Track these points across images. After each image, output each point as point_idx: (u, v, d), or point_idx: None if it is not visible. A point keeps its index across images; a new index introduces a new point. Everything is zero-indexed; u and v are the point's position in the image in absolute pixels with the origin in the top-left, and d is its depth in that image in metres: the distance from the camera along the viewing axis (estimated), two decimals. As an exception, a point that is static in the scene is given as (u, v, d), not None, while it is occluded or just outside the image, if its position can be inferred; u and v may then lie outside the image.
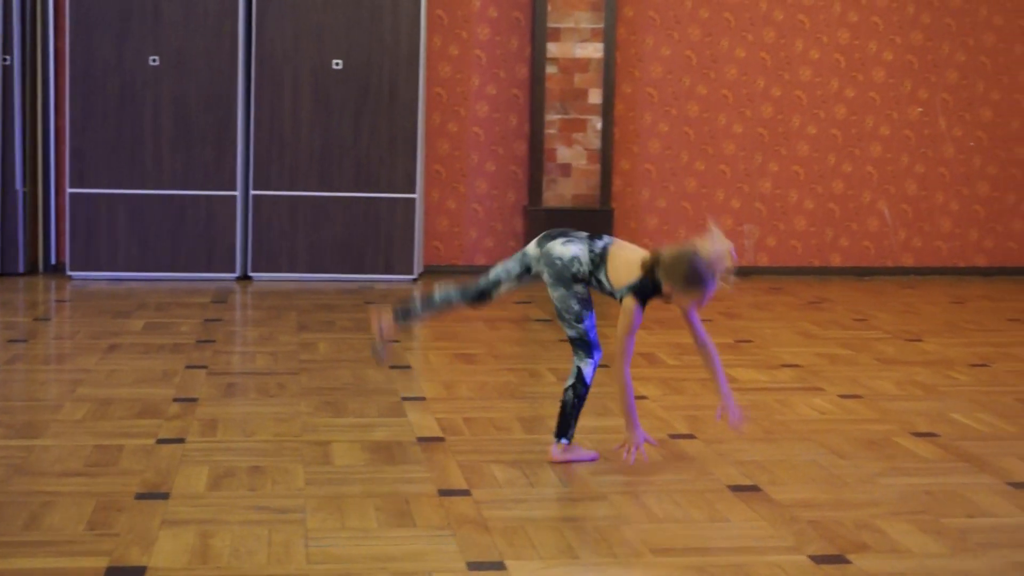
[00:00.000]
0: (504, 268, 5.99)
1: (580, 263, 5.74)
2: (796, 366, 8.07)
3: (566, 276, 5.76)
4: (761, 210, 12.28)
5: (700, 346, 5.89)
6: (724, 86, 12.17)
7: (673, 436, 6.31)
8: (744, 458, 5.94)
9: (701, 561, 4.60)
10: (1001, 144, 12.49)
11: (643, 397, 7.12)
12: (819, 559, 4.63)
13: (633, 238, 12.08)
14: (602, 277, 5.75)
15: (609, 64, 11.77)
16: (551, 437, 6.14)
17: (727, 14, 12.12)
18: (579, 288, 5.78)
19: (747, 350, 8.55)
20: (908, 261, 12.48)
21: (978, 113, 12.45)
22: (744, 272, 12.14)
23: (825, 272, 12.36)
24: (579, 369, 5.87)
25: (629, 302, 5.67)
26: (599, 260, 5.75)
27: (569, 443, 5.86)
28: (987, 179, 12.50)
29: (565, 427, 5.85)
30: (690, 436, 6.33)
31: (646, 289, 5.65)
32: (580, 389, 5.84)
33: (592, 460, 5.87)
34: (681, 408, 6.90)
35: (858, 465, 5.87)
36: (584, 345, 5.85)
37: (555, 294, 5.80)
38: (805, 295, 11.10)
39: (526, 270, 5.93)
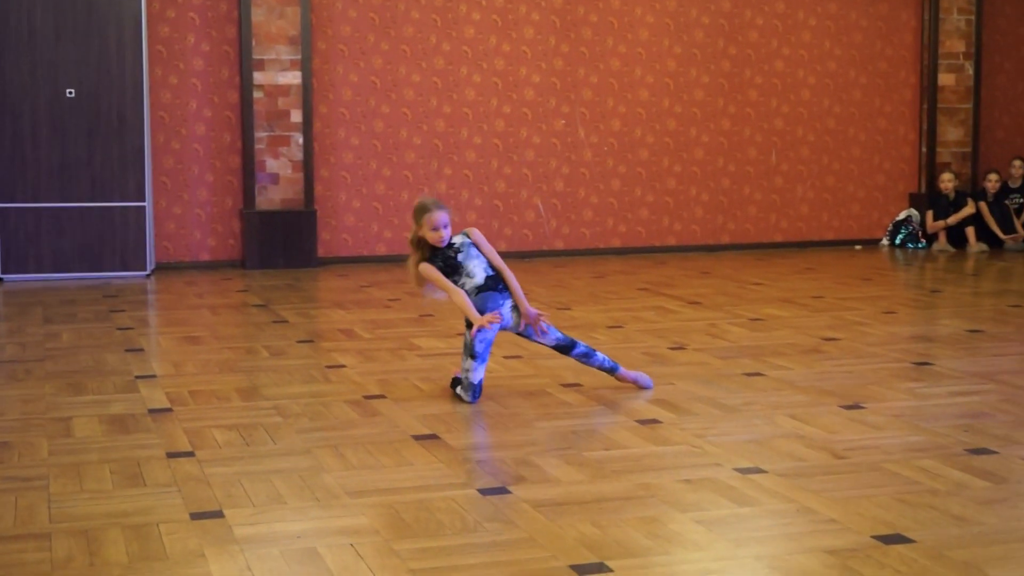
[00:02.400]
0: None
1: None
2: (468, 334, 8.13)
3: None
4: (439, 207, 12.32)
5: (497, 268, 6.28)
6: (404, 105, 12.18)
7: (367, 397, 6.28)
8: (426, 412, 5.95)
9: (390, 500, 4.59)
10: (628, 148, 12.84)
11: (342, 366, 7.07)
12: (485, 491, 4.68)
13: (333, 234, 12.01)
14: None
15: (307, 89, 11.65)
16: (266, 403, 6.08)
17: (404, 46, 12.12)
18: None
19: (429, 323, 8.58)
20: (559, 245, 12.73)
21: (609, 124, 12.77)
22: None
23: (492, 256, 12.48)
24: None
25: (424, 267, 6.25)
26: None
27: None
28: (618, 177, 12.83)
29: None
30: (381, 396, 6.31)
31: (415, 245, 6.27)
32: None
33: None
34: (374, 373, 6.87)
35: (518, 413, 5.95)
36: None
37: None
38: (476, 276, 11.18)
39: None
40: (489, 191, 12.48)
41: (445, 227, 6.14)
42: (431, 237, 6.15)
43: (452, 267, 6.20)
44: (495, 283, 6.25)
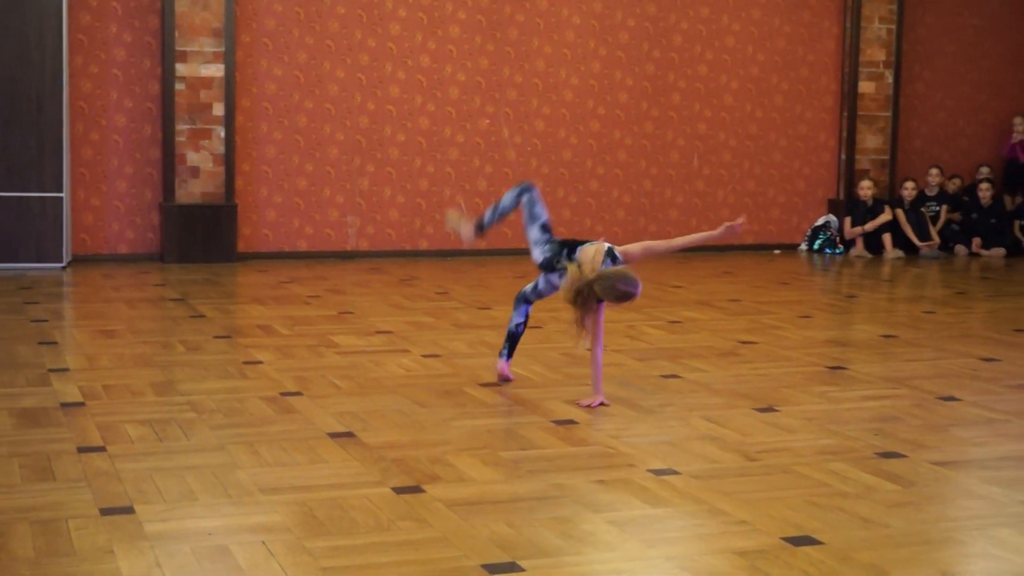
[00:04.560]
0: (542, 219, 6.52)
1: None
2: (388, 332, 8.12)
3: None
4: (361, 204, 12.30)
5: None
6: (328, 101, 12.13)
7: (283, 393, 6.25)
8: (342, 410, 5.94)
9: (303, 497, 4.57)
10: (552, 149, 12.88)
11: (259, 362, 7.03)
12: (399, 490, 4.68)
13: (254, 229, 11.93)
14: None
15: (230, 82, 11.56)
16: (180, 398, 6.03)
17: (328, 41, 12.07)
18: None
19: (349, 320, 8.56)
20: (482, 244, 12.72)
21: (533, 124, 12.80)
22: (347, 256, 12.19)
23: (415, 254, 12.48)
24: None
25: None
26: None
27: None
28: (542, 177, 12.86)
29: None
30: (298, 393, 6.28)
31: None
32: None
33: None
34: (291, 370, 6.84)
35: (435, 411, 5.96)
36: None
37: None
38: (398, 274, 11.18)
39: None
40: (412, 189, 12.46)
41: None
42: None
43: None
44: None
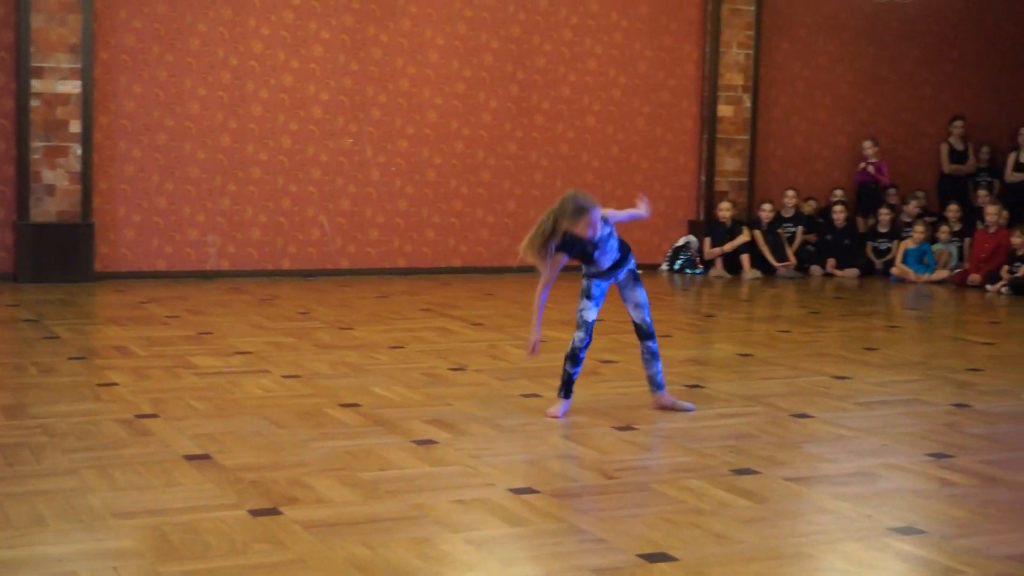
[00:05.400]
0: None
1: None
2: (248, 353, 8.02)
3: None
4: (222, 223, 12.15)
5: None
6: (188, 119, 11.97)
7: (139, 416, 6.13)
8: (199, 432, 5.85)
9: (157, 521, 4.49)
10: (416, 168, 12.88)
11: (114, 384, 6.89)
12: (256, 512, 4.62)
13: (112, 249, 11.72)
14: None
15: (87, 99, 11.35)
16: (32, 422, 5.89)
17: (190, 59, 11.92)
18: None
19: (207, 340, 8.43)
20: (344, 264, 12.66)
21: (397, 144, 12.78)
22: (208, 276, 12.04)
23: (276, 274, 12.37)
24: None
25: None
26: None
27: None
28: (405, 197, 12.85)
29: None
30: (154, 415, 6.16)
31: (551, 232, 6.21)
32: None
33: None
34: (147, 392, 6.71)
35: (293, 432, 5.89)
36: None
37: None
38: (259, 294, 11.06)
39: None
40: (274, 208, 12.35)
41: (597, 223, 6.17)
42: (582, 232, 6.17)
43: (585, 256, 6.35)
44: (612, 270, 6.50)
